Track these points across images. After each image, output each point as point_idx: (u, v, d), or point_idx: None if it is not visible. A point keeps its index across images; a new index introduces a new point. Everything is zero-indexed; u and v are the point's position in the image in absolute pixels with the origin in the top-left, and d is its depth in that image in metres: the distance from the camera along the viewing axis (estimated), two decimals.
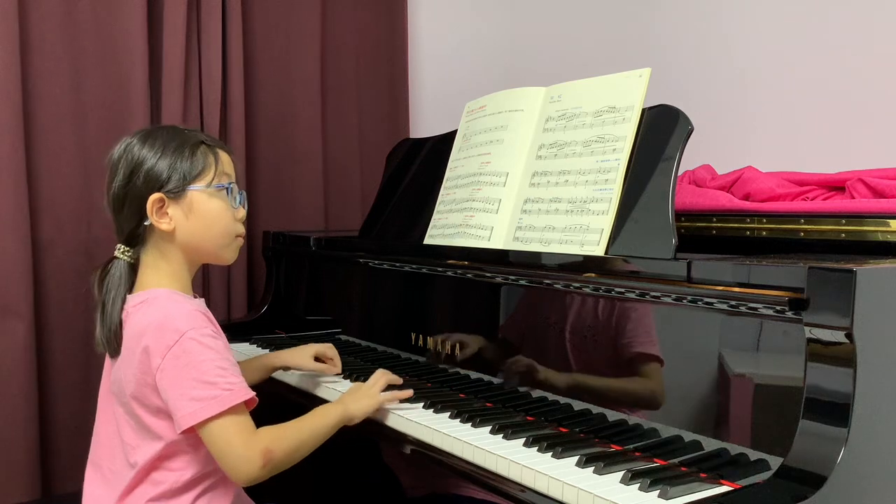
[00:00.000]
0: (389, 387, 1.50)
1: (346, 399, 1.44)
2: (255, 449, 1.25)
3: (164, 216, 1.31)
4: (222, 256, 1.39)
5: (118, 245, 1.34)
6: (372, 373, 1.52)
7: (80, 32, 2.04)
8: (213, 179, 1.33)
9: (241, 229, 1.40)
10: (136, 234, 1.32)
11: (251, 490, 1.49)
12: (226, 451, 1.24)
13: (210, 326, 1.28)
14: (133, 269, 1.34)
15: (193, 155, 1.32)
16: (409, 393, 1.48)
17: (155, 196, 1.29)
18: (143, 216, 1.30)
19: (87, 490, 1.37)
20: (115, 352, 1.32)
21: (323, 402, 1.51)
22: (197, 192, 1.32)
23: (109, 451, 1.34)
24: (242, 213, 1.40)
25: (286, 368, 1.68)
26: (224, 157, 1.37)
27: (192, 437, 1.28)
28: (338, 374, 1.68)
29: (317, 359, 1.67)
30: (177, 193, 1.31)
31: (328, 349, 1.68)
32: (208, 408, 1.22)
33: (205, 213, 1.33)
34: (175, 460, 1.29)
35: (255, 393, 1.28)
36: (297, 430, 1.33)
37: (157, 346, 1.24)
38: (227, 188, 1.35)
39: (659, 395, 1.23)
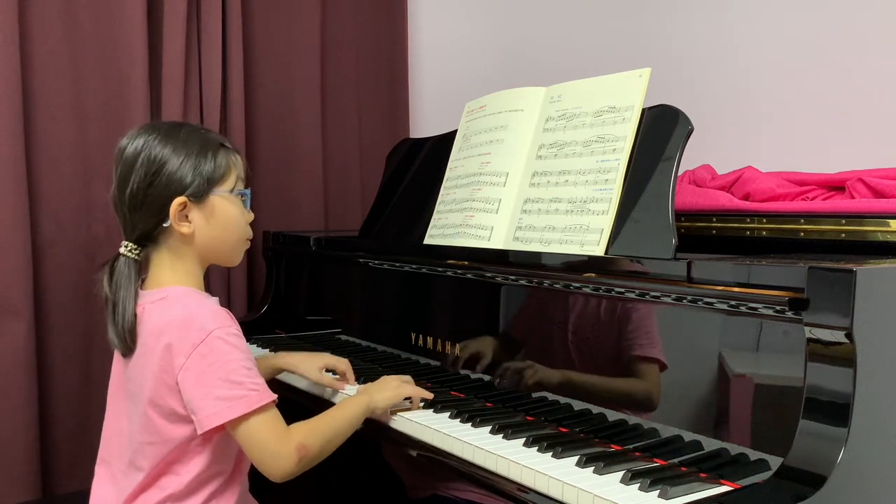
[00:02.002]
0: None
1: (370, 389, 1.44)
2: (289, 445, 1.25)
3: (185, 220, 1.29)
4: (232, 259, 1.40)
5: (125, 243, 1.31)
6: (374, 372, 1.53)
7: (80, 32, 2.04)
8: (234, 185, 1.34)
9: (251, 232, 1.41)
10: (150, 234, 1.30)
11: (254, 490, 1.50)
12: (259, 449, 1.24)
13: (234, 325, 1.27)
14: (139, 265, 1.31)
15: (216, 158, 1.31)
16: (430, 395, 1.47)
17: (179, 200, 1.28)
18: (163, 218, 1.28)
19: (96, 489, 1.36)
20: (129, 350, 1.29)
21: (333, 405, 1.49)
22: (218, 198, 1.32)
23: (118, 450, 1.33)
24: (251, 216, 1.40)
25: (292, 372, 1.65)
26: (239, 160, 1.37)
27: (201, 440, 1.27)
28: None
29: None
30: (200, 197, 1.30)
31: (340, 363, 1.63)
32: (235, 408, 1.21)
33: (224, 218, 1.33)
34: (182, 465, 1.28)
35: (276, 396, 1.27)
36: (328, 423, 1.33)
37: (181, 343, 1.23)
38: (244, 194, 1.36)
39: (659, 395, 1.23)
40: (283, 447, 1.24)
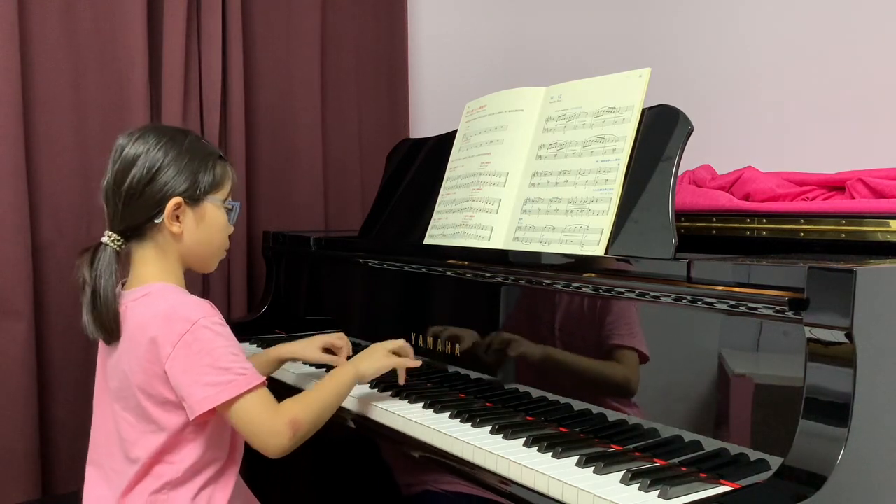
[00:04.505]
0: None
1: (357, 359, 1.48)
2: (281, 421, 1.28)
3: (177, 220, 1.33)
4: (210, 266, 1.44)
5: (108, 233, 1.33)
6: None
7: (80, 32, 2.04)
8: (228, 195, 1.40)
9: (228, 244, 1.45)
10: (138, 228, 1.33)
11: (252, 485, 1.50)
12: (253, 428, 1.27)
13: (218, 315, 1.31)
14: (118, 256, 1.34)
15: (215, 167, 1.37)
16: (417, 363, 1.51)
17: (176, 199, 1.32)
18: (157, 214, 1.32)
19: (88, 490, 1.37)
20: (112, 338, 1.32)
21: None
22: (211, 204, 1.37)
23: (108, 450, 1.35)
24: (232, 229, 1.45)
25: (295, 360, 1.69)
26: (234, 174, 1.43)
27: (196, 426, 1.29)
28: None
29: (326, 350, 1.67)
30: (195, 200, 1.34)
31: (337, 339, 1.67)
32: (224, 392, 1.25)
33: (212, 225, 1.38)
34: (177, 452, 1.30)
35: (265, 378, 1.31)
36: (318, 396, 1.37)
37: (166, 335, 1.26)
38: (234, 206, 1.41)
39: (659, 395, 1.23)
40: (276, 424, 1.28)
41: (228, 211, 1.40)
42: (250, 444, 1.30)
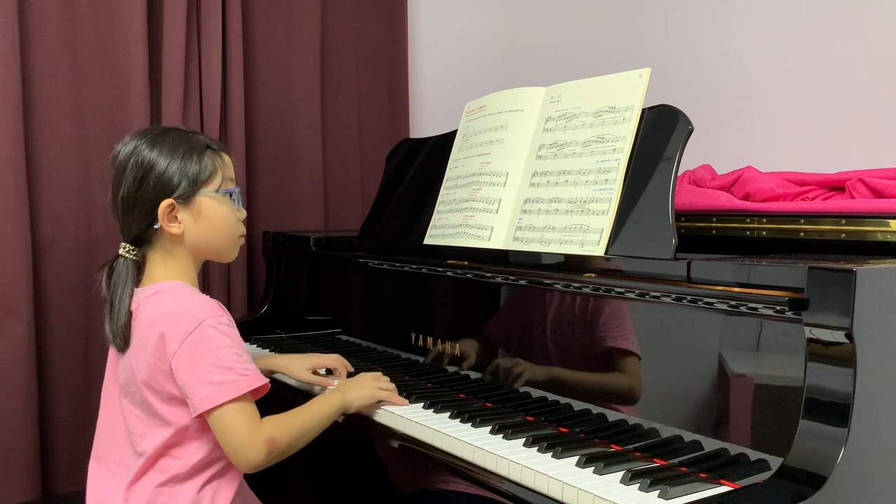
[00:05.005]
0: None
1: (345, 387, 1.47)
2: (260, 437, 1.28)
3: (174, 221, 1.34)
4: (226, 256, 1.45)
5: (123, 244, 1.37)
6: (371, 371, 1.54)
7: (80, 33, 2.04)
8: (220, 185, 1.38)
9: (243, 229, 1.45)
10: (143, 235, 1.35)
11: (253, 484, 1.50)
12: (232, 438, 1.28)
13: (226, 315, 1.32)
14: (137, 266, 1.37)
15: (201, 160, 1.36)
16: (404, 401, 1.48)
17: (166, 202, 1.32)
18: (153, 220, 1.33)
19: (92, 484, 1.38)
20: (124, 346, 1.34)
21: None
22: (205, 198, 1.36)
23: (114, 444, 1.37)
24: (244, 214, 1.44)
25: (283, 373, 1.67)
26: (227, 160, 1.42)
27: (201, 423, 1.31)
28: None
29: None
30: (187, 199, 1.34)
31: (330, 360, 1.66)
32: (227, 391, 1.26)
33: (212, 217, 1.37)
34: (183, 447, 1.32)
35: (268, 380, 1.32)
36: (299, 419, 1.36)
37: (173, 332, 1.27)
38: (232, 193, 1.40)
39: (659, 395, 1.23)
40: (254, 439, 1.28)
41: (230, 197, 1.39)
42: (225, 453, 1.30)
